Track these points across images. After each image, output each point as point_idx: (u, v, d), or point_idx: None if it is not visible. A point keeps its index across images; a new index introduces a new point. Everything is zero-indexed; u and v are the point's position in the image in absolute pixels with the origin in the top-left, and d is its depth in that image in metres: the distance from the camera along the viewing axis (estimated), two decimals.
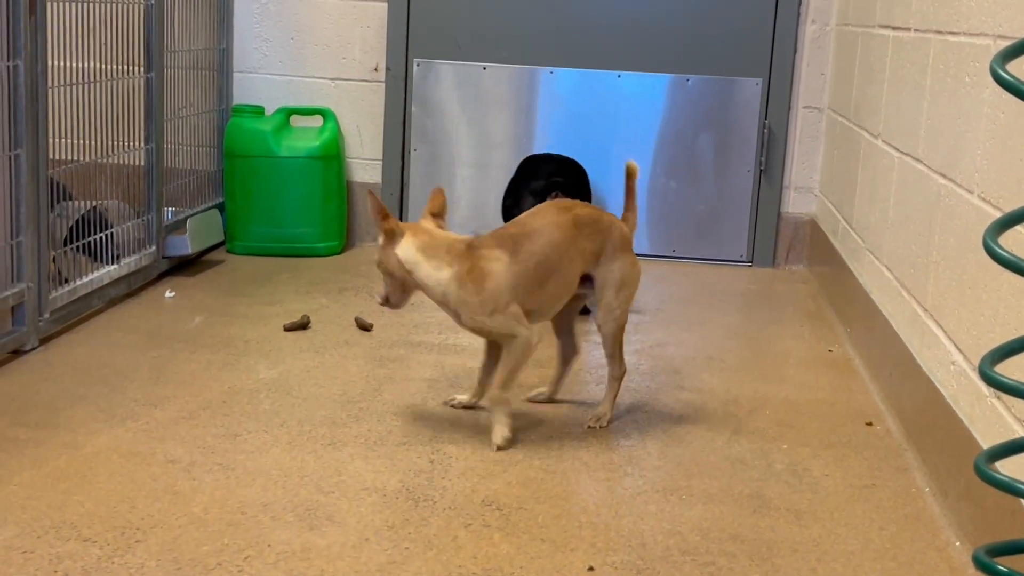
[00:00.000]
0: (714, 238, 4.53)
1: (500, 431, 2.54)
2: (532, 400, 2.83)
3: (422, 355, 3.18)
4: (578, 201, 2.73)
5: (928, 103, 2.80)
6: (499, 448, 2.51)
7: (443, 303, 2.52)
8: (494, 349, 2.66)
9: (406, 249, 2.49)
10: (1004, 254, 1.39)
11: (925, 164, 2.77)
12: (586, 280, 2.67)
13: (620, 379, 2.73)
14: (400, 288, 2.56)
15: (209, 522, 2.12)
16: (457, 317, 2.53)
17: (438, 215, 2.60)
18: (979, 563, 1.45)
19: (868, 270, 3.36)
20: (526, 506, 2.25)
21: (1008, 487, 1.40)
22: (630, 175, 2.80)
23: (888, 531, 2.23)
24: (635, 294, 2.76)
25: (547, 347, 2.76)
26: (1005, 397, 2.06)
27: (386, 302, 2.59)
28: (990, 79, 2.27)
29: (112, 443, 2.46)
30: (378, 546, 2.05)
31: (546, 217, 2.60)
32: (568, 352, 2.81)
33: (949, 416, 2.36)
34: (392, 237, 2.50)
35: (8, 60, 2.91)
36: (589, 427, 2.68)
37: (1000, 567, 1.42)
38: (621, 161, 4.47)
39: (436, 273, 2.48)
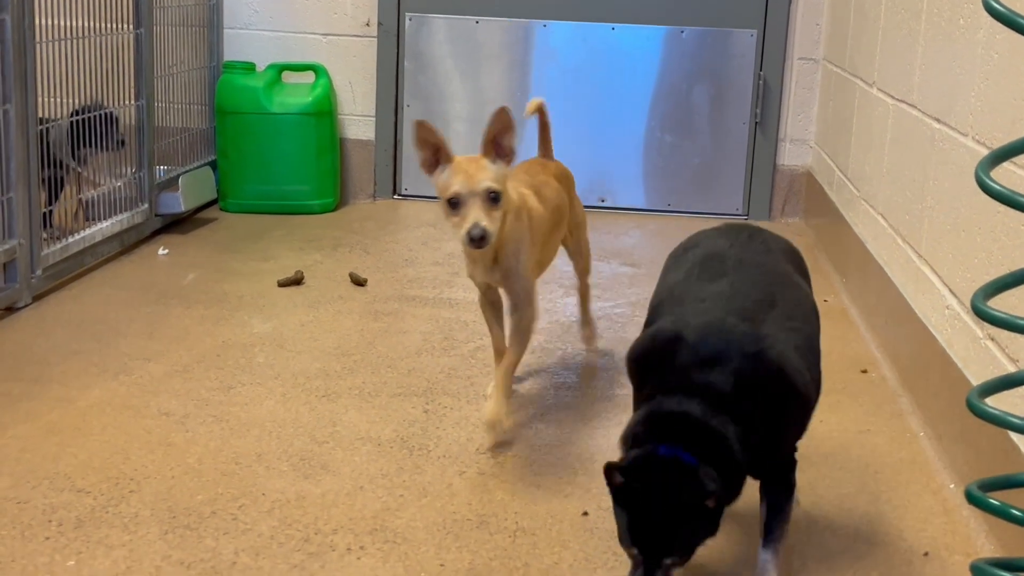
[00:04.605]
0: (709, 191, 4.51)
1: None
2: None
3: (417, 309, 3.17)
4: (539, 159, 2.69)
5: (922, 48, 2.77)
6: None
7: None
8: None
9: None
10: (997, 187, 1.37)
11: (919, 109, 2.75)
12: None
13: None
14: None
15: (203, 472, 2.11)
16: None
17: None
18: (971, 498, 1.44)
19: (863, 219, 3.34)
20: (521, 454, 2.25)
21: (1000, 421, 1.40)
22: (542, 111, 2.68)
23: (883, 475, 2.23)
24: None
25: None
26: (999, 338, 2.06)
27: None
28: (984, 21, 2.25)
29: (106, 397, 2.46)
30: (373, 494, 2.05)
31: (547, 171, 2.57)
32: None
33: (944, 360, 2.35)
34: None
35: None
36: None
37: (992, 501, 1.42)
38: (616, 115, 4.48)
39: None
